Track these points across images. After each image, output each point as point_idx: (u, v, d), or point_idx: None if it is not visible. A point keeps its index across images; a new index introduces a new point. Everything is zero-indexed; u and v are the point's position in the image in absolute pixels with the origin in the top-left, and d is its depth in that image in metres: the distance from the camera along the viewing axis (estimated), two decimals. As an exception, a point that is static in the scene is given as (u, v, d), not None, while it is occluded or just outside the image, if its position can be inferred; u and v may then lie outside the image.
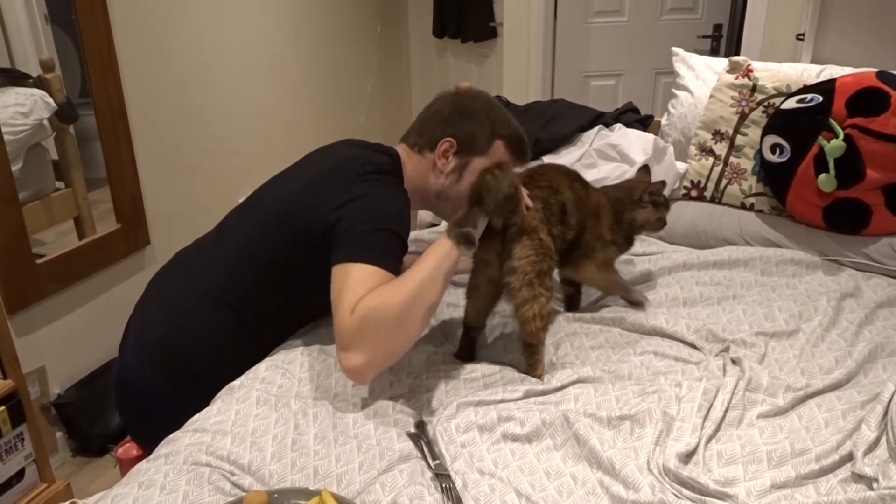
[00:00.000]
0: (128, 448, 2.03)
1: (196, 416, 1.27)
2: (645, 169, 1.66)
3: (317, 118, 3.30)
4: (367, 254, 1.21)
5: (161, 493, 1.08)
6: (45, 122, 2.09)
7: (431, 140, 1.47)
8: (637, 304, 1.56)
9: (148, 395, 1.43)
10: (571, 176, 1.50)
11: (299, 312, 1.49)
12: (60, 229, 2.23)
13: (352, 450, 1.19)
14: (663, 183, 1.59)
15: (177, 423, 1.26)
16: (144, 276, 2.41)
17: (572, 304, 1.64)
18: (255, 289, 1.39)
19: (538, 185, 1.42)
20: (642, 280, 1.73)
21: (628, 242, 1.57)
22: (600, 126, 2.16)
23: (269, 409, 1.28)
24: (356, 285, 1.17)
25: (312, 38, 3.20)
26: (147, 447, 1.28)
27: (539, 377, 1.37)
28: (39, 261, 2.04)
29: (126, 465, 1.96)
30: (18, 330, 1.99)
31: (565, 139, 2.13)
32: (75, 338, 2.19)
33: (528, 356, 1.39)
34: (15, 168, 2.01)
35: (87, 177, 2.23)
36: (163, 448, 1.20)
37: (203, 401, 1.32)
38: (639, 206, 1.54)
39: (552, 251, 1.38)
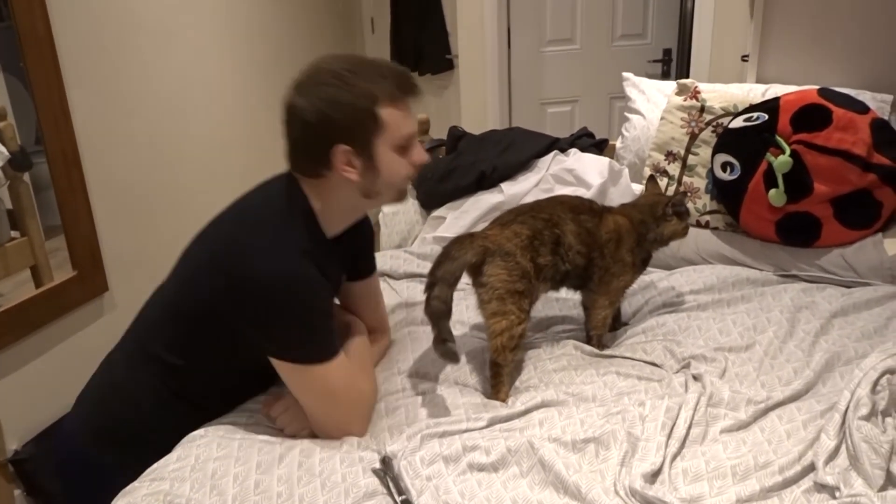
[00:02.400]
0: (90, 501, 1.97)
1: (155, 465, 1.24)
2: (652, 179, 1.69)
3: (279, 156, 3.29)
4: (316, 353, 1.27)
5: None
6: (-1, 171, 2.06)
7: (320, 158, 1.30)
8: (600, 346, 1.56)
9: (82, 460, 1.41)
10: (580, 208, 1.51)
11: (226, 370, 1.41)
12: (17, 279, 2.17)
13: (316, 489, 1.17)
14: (684, 194, 1.61)
15: (113, 489, 1.22)
16: (103, 324, 2.36)
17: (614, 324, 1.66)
18: (177, 341, 1.35)
19: (536, 216, 1.45)
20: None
21: (644, 264, 1.59)
22: (556, 151, 2.19)
23: (232, 451, 1.26)
24: (330, 384, 1.28)
25: (270, 78, 3.21)
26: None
27: (502, 401, 1.37)
28: (-8, 312, 1.99)
29: (89, 520, 1.89)
30: (-28, 385, 1.94)
31: (522, 166, 2.16)
32: (33, 390, 2.13)
33: (492, 376, 1.39)
34: (-32, 218, 1.97)
35: (45, 224, 2.19)
36: (119, 501, 1.17)
37: (137, 464, 1.27)
38: (664, 220, 1.55)
39: (531, 275, 1.40)
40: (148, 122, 2.51)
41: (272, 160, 3.22)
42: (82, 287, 2.26)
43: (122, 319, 2.41)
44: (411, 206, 2.25)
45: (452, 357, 1.31)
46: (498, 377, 1.38)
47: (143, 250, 2.52)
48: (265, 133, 3.19)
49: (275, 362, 1.28)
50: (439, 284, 1.33)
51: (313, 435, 1.33)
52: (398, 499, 1.15)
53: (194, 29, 2.72)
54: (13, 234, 2.18)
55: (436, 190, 2.16)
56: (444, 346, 1.31)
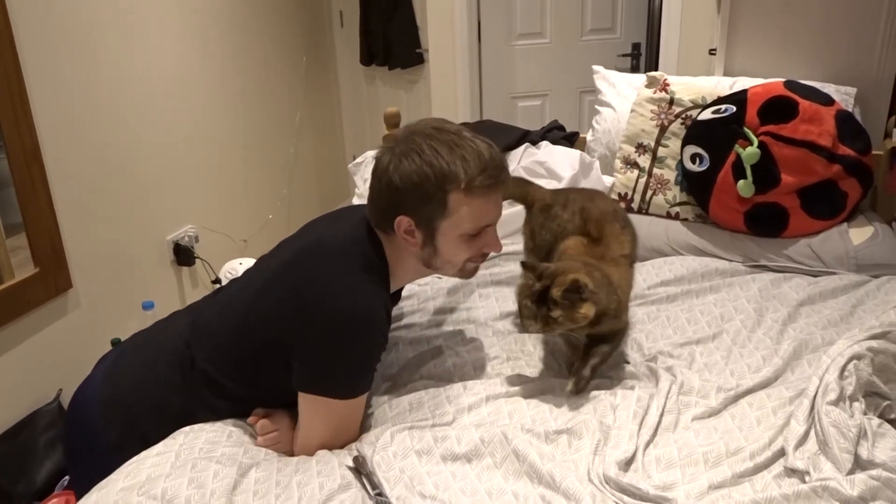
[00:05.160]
0: (56, 503, 1.92)
1: (134, 458, 1.21)
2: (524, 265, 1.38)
3: (245, 151, 3.25)
4: (351, 389, 1.28)
5: (84, 544, 1.02)
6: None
7: (387, 221, 1.30)
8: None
9: (99, 436, 1.36)
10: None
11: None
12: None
13: (291, 485, 1.16)
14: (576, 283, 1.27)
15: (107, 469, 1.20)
16: (68, 321, 2.30)
17: None
18: (233, 365, 1.32)
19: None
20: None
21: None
22: (527, 144, 2.19)
23: (215, 444, 1.24)
24: (345, 419, 1.30)
25: (237, 71, 3.17)
26: (84, 488, 1.21)
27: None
28: (-49, 310, 1.93)
29: (54, 522, 1.85)
30: (-70, 386, 1.88)
31: (494, 159, 2.15)
32: (-6, 390, 2.07)
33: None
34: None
35: (6, 222, 2.14)
36: (92, 495, 1.14)
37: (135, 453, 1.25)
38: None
39: None
40: (111, 116, 2.46)
41: (236, 156, 3.19)
42: (45, 284, 2.21)
43: (87, 317, 2.36)
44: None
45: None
46: None
47: (107, 247, 2.46)
48: (229, 128, 3.15)
49: (301, 393, 1.28)
50: None
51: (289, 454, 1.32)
52: (372, 493, 1.14)
53: (158, 22, 2.67)
54: (-28, 231, 2.12)
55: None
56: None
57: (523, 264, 1.32)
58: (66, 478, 2.03)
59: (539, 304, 1.26)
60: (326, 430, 1.28)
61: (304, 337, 1.24)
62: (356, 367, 1.27)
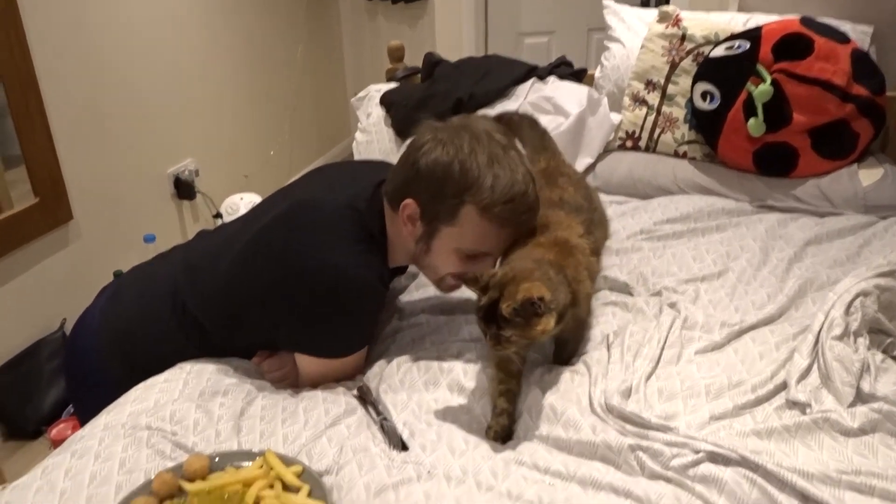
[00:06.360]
0: (62, 429, 1.95)
1: (140, 384, 1.22)
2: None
3: (246, 86, 3.19)
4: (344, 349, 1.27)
5: (96, 461, 1.04)
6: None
7: (397, 197, 1.23)
8: None
9: (89, 359, 1.38)
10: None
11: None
12: (-24, 210, 2.10)
13: (297, 411, 1.18)
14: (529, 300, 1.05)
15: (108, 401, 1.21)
16: (69, 252, 2.30)
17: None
18: (216, 312, 1.30)
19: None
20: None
21: None
22: (534, 79, 2.15)
23: (221, 376, 1.26)
24: (339, 371, 1.28)
25: (239, 4, 3.08)
26: (86, 418, 1.22)
27: None
28: (-48, 238, 1.92)
29: (61, 447, 1.88)
30: (-66, 313, 1.89)
31: (499, 93, 2.11)
32: (-1, 319, 2.08)
33: None
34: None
35: (4, 155, 2.11)
36: (102, 416, 1.16)
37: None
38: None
39: None
40: (110, 47, 2.40)
41: (237, 90, 3.14)
42: (45, 215, 2.20)
43: (88, 248, 2.36)
44: (386, 134, 2.20)
45: None
46: None
47: (107, 179, 2.44)
48: (231, 62, 3.09)
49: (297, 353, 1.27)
50: None
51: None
52: (377, 419, 1.15)
53: (156, -55, 2.58)
54: (-30, 162, 2.10)
55: (411, 117, 2.10)
56: None
57: (463, 278, 1.12)
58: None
59: (488, 322, 1.05)
60: (325, 378, 1.27)
61: (291, 304, 1.21)
62: (346, 334, 1.25)
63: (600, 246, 1.31)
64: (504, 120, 1.55)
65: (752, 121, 1.78)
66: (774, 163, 1.82)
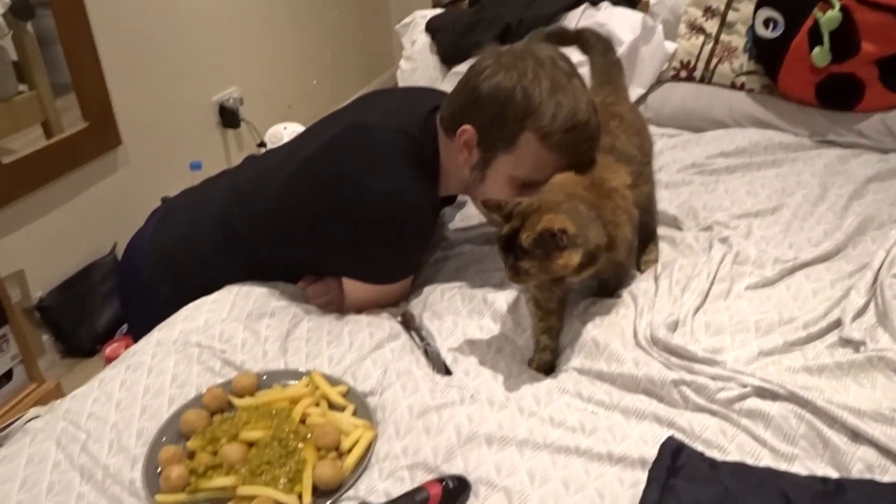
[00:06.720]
0: (116, 347, 2.02)
1: (190, 304, 1.25)
2: None
3: (289, 14, 3.15)
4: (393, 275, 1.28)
5: (149, 374, 1.08)
6: (0, 19, 1.98)
7: (454, 122, 1.20)
8: None
9: (140, 278, 1.41)
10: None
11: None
12: (29, 137, 2.14)
13: (342, 334, 1.19)
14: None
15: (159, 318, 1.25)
16: (118, 178, 2.34)
17: None
18: (266, 236, 1.31)
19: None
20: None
21: None
22: (586, 4, 2.07)
23: (268, 299, 1.27)
24: (388, 295, 1.29)
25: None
26: (139, 336, 1.26)
27: None
28: (6, 160, 1.96)
29: (115, 365, 1.95)
30: (-8, 233, 1.95)
31: (550, 19, 2.04)
32: (52, 240, 2.14)
33: None
34: (-27, 69, 1.92)
35: (55, 82, 2.14)
36: (154, 334, 1.19)
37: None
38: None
39: None
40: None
41: (279, 18, 3.09)
42: (94, 140, 2.23)
43: (136, 174, 2.39)
44: (431, 61, 2.15)
45: None
46: None
47: (154, 106, 2.45)
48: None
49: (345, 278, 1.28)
50: None
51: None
52: (421, 344, 1.16)
53: None
54: (21, 87, 2.12)
55: (457, 43, 2.05)
56: None
57: (485, 202, 1.08)
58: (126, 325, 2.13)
59: (507, 252, 1.02)
60: (371, 304, 1.28)
61: (342, 229, 1.22)
62: (395, 260, 1.26)
63: (644, 202, 1.25)
64: (580, 38, 1.44)
65: (816, 50, 1.69)
66: (838, 95, 1.73)
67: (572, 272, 1.03)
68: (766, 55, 1.82)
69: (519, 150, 1.15)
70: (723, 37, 1.91)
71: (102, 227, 2.29)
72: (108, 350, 2.03)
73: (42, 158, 2.08)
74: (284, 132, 2.70)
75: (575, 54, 1.33)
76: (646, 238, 1.32)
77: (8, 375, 1.79)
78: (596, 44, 1.41)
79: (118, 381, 1.07)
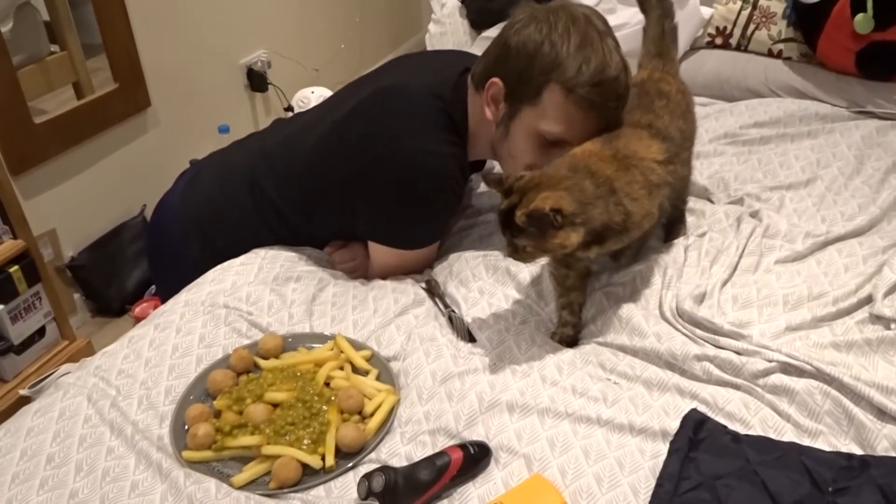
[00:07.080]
0: (144, 307, 2.06)
1: (218, 266, 1.27)
2: None
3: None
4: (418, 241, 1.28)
5: (177, 334, 1.09)
6: (32, -21, 1.99)
7: (482, 77, 1.19)
8: None
9: (169, 239, 1.43)
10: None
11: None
12: (61, 97, 2.16)
13: (367, 299, 1.20)
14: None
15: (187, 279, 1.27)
16: (148, 139, 2.36)
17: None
18: (295, 198, 1.32)
19: None
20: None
21: None
22: (620, -32, 2.01)
23: (295, 263, 1.28)
24: (413, 262, 1.30)
25: None
26: (167, 297, 1.29)
27: None
28: (38, 120, 1.98)
29: (144, 324, 1.99)
30: (25, 192, 1.97)
31: (583, -17, 1.99)
32: (83, 201, 2.17)
33: None
34: (5, 29, 1.92)
35: (85, 44, 2.14)
36: (182, 294, 1.21)
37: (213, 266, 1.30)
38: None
39: None
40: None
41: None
42: (124, 101, 2.24)
43: (165, 136, 2.41)
44: (461, 25, 2.12)
45: None
46: None
47: (183, 68, 2.46)
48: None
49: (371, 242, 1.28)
50: None
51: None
52: (445, 311, 1.16)
53: None
54: (53, 48, 2.13)
55: (487, 7, 2.02)
56: None
57: (485, 177, 1.08)
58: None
59: (505, 228, 1.00)
60: (396, 270, 1.29)
61: (371, 192, 1.22)
62: (423, 225, 1.26)
63: (678, 185, 1.19)
64: None
65: (859, 16, 1.63)
66: (879, 64, 1.68)
67: (578, 250, 1.00)
68: (806, 21, 1.76)
69: (543, 102, 1.13)
70: (761, 2, 1.85)
71: (132, 188, 2.32)
72: (137, 310, 2.07)
73: (73, 119, 2.09)
74: (312, 96, 2.70)
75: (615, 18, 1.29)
76: (674, 219, 1.30)
77: (41, 332, 1.83)
78: (656, 6, 1.34)
79: (147, 340, 1.09)
